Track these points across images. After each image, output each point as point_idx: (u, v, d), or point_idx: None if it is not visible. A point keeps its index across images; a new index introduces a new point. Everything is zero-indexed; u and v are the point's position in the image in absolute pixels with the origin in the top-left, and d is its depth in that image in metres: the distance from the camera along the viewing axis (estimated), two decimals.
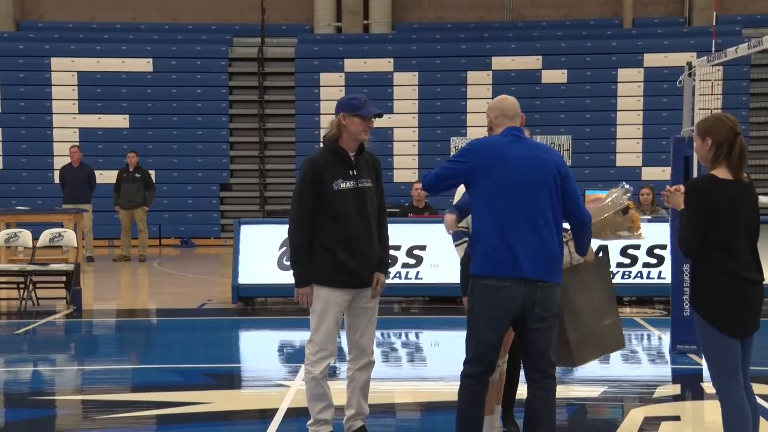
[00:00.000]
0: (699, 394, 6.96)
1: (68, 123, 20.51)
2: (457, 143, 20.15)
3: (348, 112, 5.17)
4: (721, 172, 4.51)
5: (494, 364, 4.78)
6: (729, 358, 4.44)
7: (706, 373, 7.62)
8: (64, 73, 20.70)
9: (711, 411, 6.62)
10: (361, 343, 5.32)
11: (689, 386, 7.26)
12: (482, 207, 4.66)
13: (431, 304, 11.26)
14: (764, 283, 4.55)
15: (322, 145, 5.31)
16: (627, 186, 5.36)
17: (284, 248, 11.12)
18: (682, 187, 4.71)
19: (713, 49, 8.45)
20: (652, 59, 20.37)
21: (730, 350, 4.44)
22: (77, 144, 17.88)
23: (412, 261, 10.95)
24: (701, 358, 7.92)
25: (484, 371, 4.72)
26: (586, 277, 5.08)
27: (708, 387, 7.23)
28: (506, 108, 4.93)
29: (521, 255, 4.56)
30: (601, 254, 5.31)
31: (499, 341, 4.72)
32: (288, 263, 11.07)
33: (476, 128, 20.24)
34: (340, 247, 5.14)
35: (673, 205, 4.72)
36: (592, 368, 7.94)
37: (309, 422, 5.32)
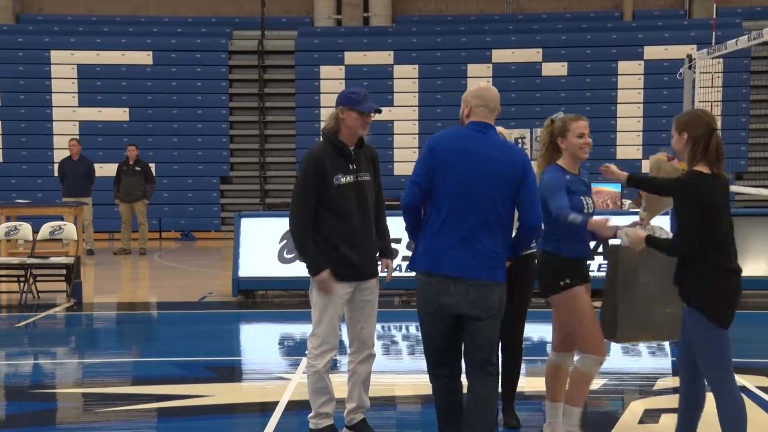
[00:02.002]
0: None
1: (68, 116, 20.49)
2: None
3: (346, 106, 5.17)
4: (703, 168, 4.55)
5: (452, 362, 4.78)
6: (724, 350, 4.48)
7: None
8: (64, 66, 20.67)
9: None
10: (363, 336, 5.32)
11: None
12: (431, 204, 4.68)
13: None
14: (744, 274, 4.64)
15: (321, 138, 5.30)
16: (662, 151, 5.39)
17: (285, 241, 11.12)
18: (612, 166, 4.83)
19: (713, 41, 8.44)
20: (652, 52, 20.34)
21: (724, 341, 4.49)
22: (77, 137, 17.88)
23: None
24: None
25: (437, 364, 4.77)
26: (654, 259, 5.03)
27: None
28: (488, 99, 4.78)
29: (447, 254, 4.58)
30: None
31: (446, 338, 4.70)
32: (288, 256, 11.09)
33: None
34: (341, 240, 5.14)
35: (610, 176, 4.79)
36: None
37: (310, 415, 5.32)
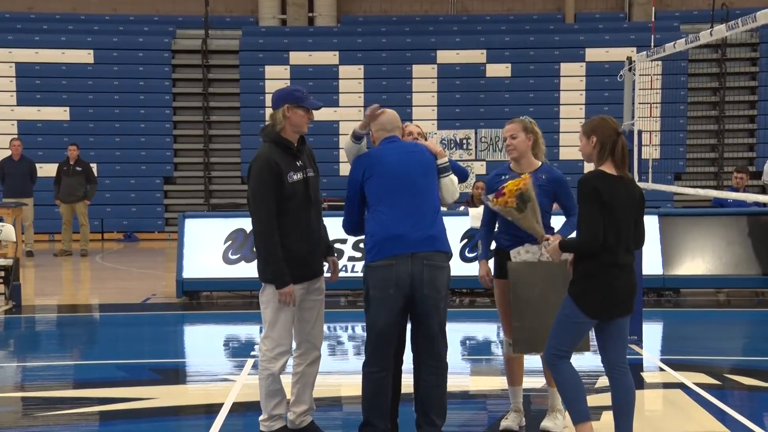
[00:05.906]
0: (639, 384, 7.09)
1: (6, 115, 20.11)
2: None
3: (292, 104, 5.19)
4: (608, 167, 4.85)
5: (391, 347, 5.05)
6: (570, 329, 4.87)
7: (646, 363, 7.79)
8: (2, 64, 20.29)
9: (651, 400, 6.76)
10: (312, 337, 5.32)
11: None
12: (372, 202, 5.18)
13: None
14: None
15: (263, 140, 5.28)
16: (487, 198, 5.45)
17: (229, 242, 11.06)
18: (556, 240, 5.06)
19: (652, 44, 8.60)
20: (593, 54, 20.66)
21: (578, 324, 4.85)
22: (17, 137, 17.55)
23: (358, 254, 10.97)
24: (641, 347, 8.09)
25: (381, 355, 5.01)
26: (549, 275, 5.29)
27: (648, 376, 7.39)
28: (384, 122, 5.37)
29: (408, 234, 4.98)
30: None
31: (395, 323, 4.98)
32: (233, 257, 11.03)
33: (421, 121, 20.31)
34: (296, 241, 5.12)
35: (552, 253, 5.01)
36: (536, 359, 8.05)
37: (262, 417, 5.27)
